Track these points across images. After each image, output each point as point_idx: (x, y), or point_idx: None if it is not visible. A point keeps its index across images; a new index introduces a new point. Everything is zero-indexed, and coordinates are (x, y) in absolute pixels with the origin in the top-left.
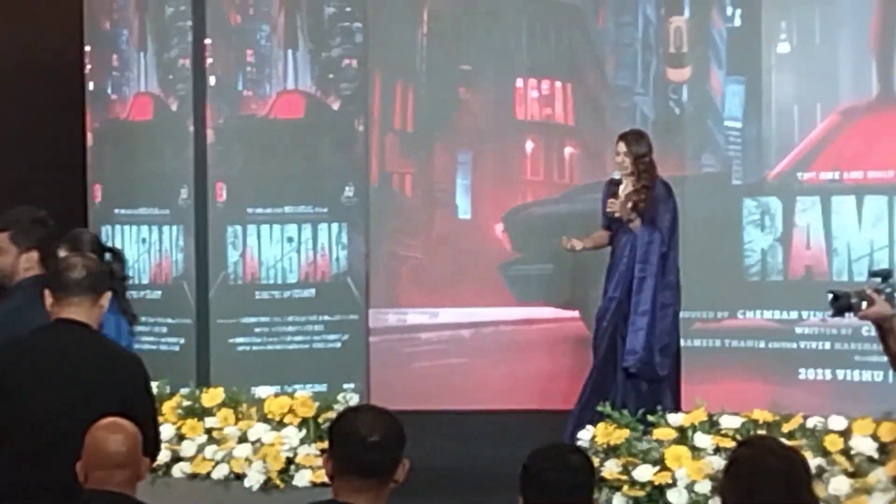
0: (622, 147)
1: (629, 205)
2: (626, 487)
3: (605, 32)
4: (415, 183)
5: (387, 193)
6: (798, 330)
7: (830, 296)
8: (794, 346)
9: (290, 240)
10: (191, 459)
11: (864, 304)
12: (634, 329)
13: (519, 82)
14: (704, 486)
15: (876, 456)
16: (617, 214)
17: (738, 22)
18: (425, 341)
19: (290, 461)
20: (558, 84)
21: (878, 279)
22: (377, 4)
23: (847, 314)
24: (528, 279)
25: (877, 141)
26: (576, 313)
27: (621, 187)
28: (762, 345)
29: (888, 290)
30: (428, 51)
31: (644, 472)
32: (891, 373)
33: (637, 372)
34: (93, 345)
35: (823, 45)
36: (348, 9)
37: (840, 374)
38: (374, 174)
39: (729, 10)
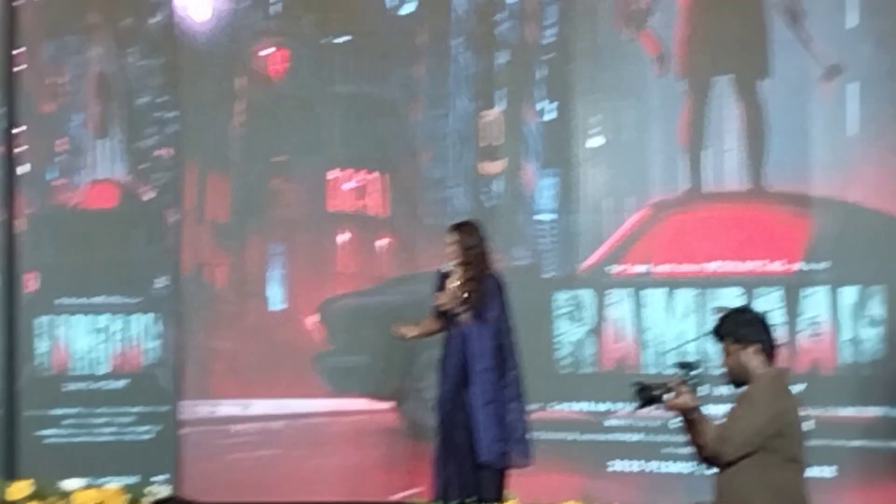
0: (452, 237)
1: (457, 297)
2: None
3: (419, 125)
4: (228, 274)
5: (199, 284)
6: (608, 422)
7: (636, 387)
8: (605, 437)
9: (101, 330)
10: None
11: (669, 395)
12: (484, 422)
13: (333, 173)
14: None
15: None
16: (444, 308)
17: (550, 116)
18: (237, 433)
19: None
20: (372, 176)
21: (683, 370)
22: (192, 94)
23: (652, 406)
24: (341, 370)
25: (686, 235)
26: (389, 404)
27: (449, 279)
28: (573, 436)
29: (693, 381)
30: (242, 142)
31: None
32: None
33: (491, 465)
34: None
35: (635, 140)
36: (162, 98)
37: (649, 465)
38: (186, 265)
39: (541, 105)
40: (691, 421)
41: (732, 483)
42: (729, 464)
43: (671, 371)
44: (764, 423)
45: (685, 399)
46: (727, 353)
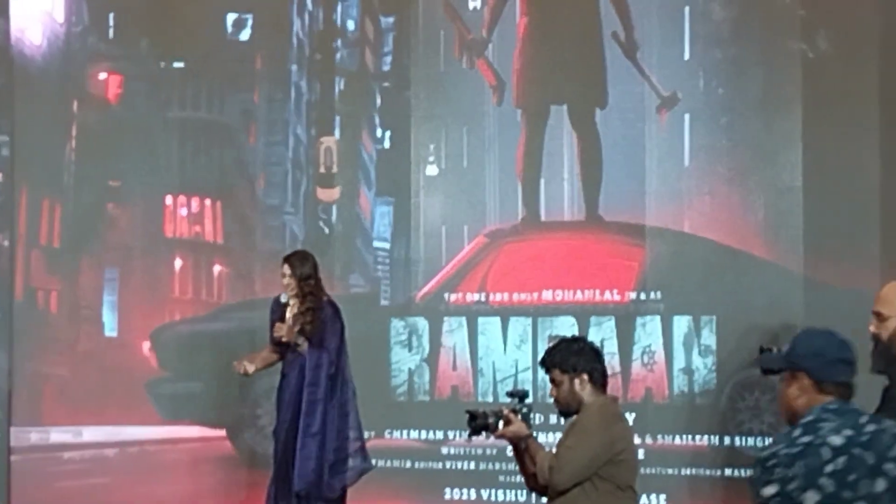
0: (287, 269)
1: (296, 328)
2: None
3: (256, 151)
4: (60, 299)
5: (31, 310)
6: (444, 450)
7: (468, 415)
8: (440, 465)
9: None
10: None
11: (501, 423)
12: (304, 451)
13: (168, 199)
14: None
15: None
16: (284, 339)
17: (387, 144)
18: (69, 460)
19: None
20: (208, 201)
21: (515, 399)
22: (24, 118)
23: (484, 433)
24: (174, 397)
25: (522, 264)
26: (222, 432)
27: (288, 309)
28: (408, 464)
29: (524, 410)
30: (76, 166)
31: None
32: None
33: (308, 494)
34: None
35: (471, 169)
36: None
37: (484, 493)
38: (18, 290)
39: (379, 132)
40: (524, 449)
41: None
42: (561, 492)
43: (505, 400)
44: (596, 451)
45: (516, 428)
46: (556, 383)
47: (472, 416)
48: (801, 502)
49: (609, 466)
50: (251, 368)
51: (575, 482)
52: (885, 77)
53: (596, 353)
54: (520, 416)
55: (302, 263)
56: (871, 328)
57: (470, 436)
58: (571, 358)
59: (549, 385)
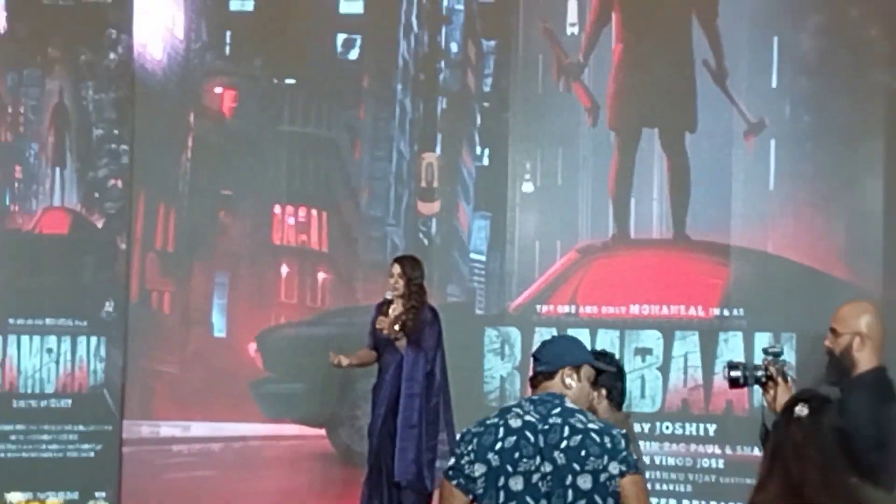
0: (397, 269)
1: (397, 325)
2: None
3: (361, 165)
4: (173, 301)
5: (146, 310)
6: None
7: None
8: None
9: (49, 351)
10: None
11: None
12: (403, 444)
13: (277, 209)
14: None
15: None
16: (385, 332)
17: (486, 161)
18: (177, 453)
19: None
20: (314, 212)
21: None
22: (144, 128)
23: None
24: (277, 397)
25: (611, 278)
26: (321, 431)
27: (392, 307)
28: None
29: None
30: (191, 175)
31: None
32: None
33: (407, 485)
34: None
35: (565, 187)
36: (116, 131)
37: None
38: (134, 291)
39: (478, 150)
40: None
41: None
42: None
43: None
44: None
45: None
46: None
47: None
48: (471, 474)
49: None
50: (345, 361)
51: None
52: None
53: (619, 372)
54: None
55: (413, 266)
56: (826, 343)
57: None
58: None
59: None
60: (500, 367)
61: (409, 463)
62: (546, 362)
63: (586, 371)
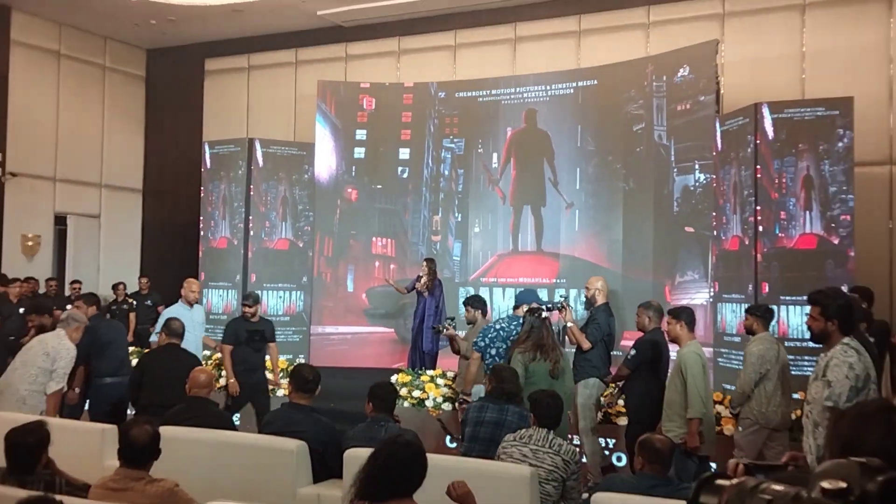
0: (426, 265)
1: (423, 284)
2: None
3: (408, 221)
4: (331, 277)
5: (320, 281)
6: None
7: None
8: None
9: (280, 297)
10: None
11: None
12: (426, 335)
13: (374, 238)
14: None
15: None
16: (420, 285)
17: (459, 218)
18: (333, 341)
19: None
20: (389, 240)
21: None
22: (320, 206)
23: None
24: (373, 315)
25: (512, 267)
26: (392, 330)
27: (422, 279)
28: None
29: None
30: (340, 225)
31: None
32: None
33: (426, 353)
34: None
35: (492, 229)
36: (302, 206)
37: None
38: (315, 271)
39: (456, 214)
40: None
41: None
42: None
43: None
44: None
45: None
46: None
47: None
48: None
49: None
50: (396, 287)
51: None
52: (656, 198)
53: (482, 300)
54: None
55: (431, 262)
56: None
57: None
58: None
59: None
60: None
61: (429, 342)
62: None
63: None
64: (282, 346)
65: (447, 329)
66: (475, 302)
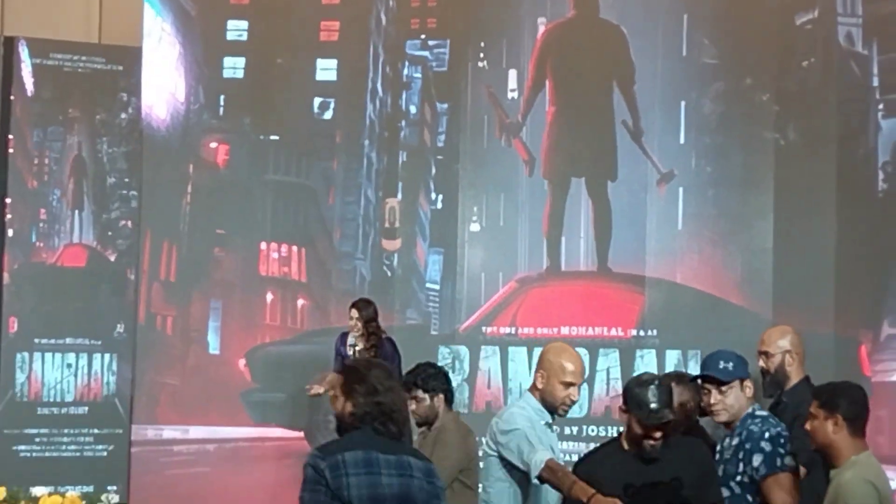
0: (354, 313)
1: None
2: None
3: (334, 208)
4: (175, 323)
5: (152, 331)
6: (480, 452)
7: None
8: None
9: (69, 365)
10: None
11: None
12: None
13: (263, 245)
14: None
15: None
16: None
17: (439, 205)
18: (177, 453)
19: None
20: (294, 248)
21: None
22: (150, 177)
23: None
24: (263, 405)
25: (545, 304)
26: (300, 433)
27: (354, 350)
28: None
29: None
30: (190, 216)
31: None
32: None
33: None
34: None
35: (506, 227)
36: (126, 179)
37: None
38: (141, 315)
39: (433, 195)
40: None
41: None
42: None
43: None
44: (460, 460)
45: None
46: (418, 400)
47: None
48: None
49: (465, 471)
50: (321, 390)
51: (447, 485)
52: (841, 163)
53: (447, 377)
54: None
55: (366, 308)
56: (760, 364)
57: None
58: (431, 381)
59: (412, 402)
60: (451, 379)
61: None
62: None
63: None
64: (67, 469)
65: None
66: (429, 379)
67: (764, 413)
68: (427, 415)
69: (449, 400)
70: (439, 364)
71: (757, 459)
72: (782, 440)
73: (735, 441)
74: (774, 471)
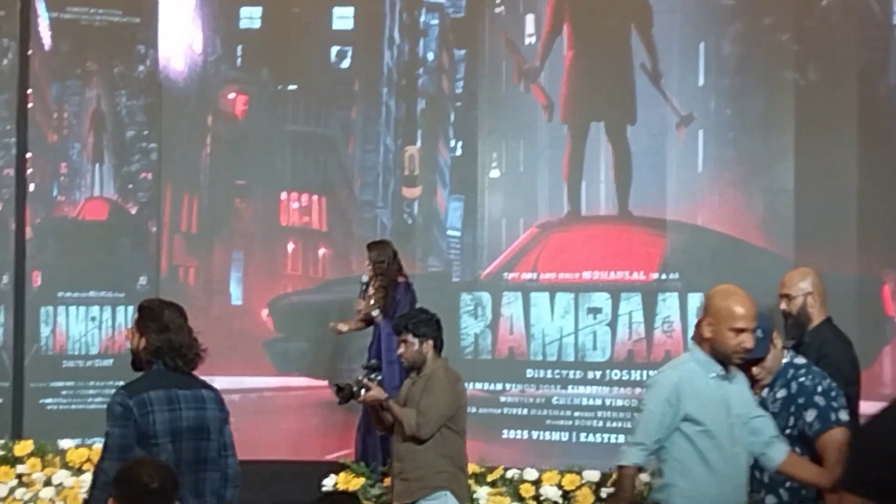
0: (369, 254)
1: (372, 301)
2: None
3: (354, 157)
4: (197, 275)
5: (174, 282)
6: (502, 398)
7: (335, 388)
8: (499, 411)
9: (93, 319)
10: (3, 500)
11: (363, 391)
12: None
13: (283, 195)
14: None
15: (561, 501)
16: (361, 311)
17: (459, 152)
18: None
19: (87, 502)
20: (315, 198)
21: (369, 371)
22: (169, 129)
23: (351, 400)
24: (286, 354)
25: (566, 249)
26: (324, 382)
27: (369, 286)
28: (473, 410)
29: (378, 378)
30: (210, 168)
31: None
32: (574, 433)
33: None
34: None
35: (526, 173)
36: (146, 132)
37: (534, 434)
38: (164, 267)
39: (452, 142)
40: (384, 408)
41: (415, 452)
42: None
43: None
44: (449, 405)
45: (376, 393)
46: (407, 344)
47: (339, 388)
48: None
49: (454, 418)
50: (344, 328)
51: (435, 431)
52: (862, 102)
53: (439, 325)
54: (375, 383)
55: (379, 250)
56: (783, 307)
57: (340, 403)
58: (422, 326)
59: (402, 345)
60: (473, 325)
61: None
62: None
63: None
64: (94, 421)
65: (368, 387)
66: (420, 325)
67: (802, 360)
68: (415, 359)
69: (438, 347)
70: (462, 310)
71: (811, 415)
72: (833, 393)
73: (782, 393)
74: (829, 426)
